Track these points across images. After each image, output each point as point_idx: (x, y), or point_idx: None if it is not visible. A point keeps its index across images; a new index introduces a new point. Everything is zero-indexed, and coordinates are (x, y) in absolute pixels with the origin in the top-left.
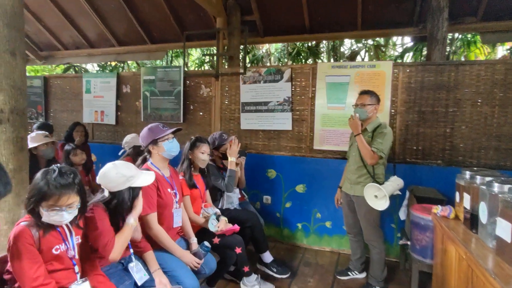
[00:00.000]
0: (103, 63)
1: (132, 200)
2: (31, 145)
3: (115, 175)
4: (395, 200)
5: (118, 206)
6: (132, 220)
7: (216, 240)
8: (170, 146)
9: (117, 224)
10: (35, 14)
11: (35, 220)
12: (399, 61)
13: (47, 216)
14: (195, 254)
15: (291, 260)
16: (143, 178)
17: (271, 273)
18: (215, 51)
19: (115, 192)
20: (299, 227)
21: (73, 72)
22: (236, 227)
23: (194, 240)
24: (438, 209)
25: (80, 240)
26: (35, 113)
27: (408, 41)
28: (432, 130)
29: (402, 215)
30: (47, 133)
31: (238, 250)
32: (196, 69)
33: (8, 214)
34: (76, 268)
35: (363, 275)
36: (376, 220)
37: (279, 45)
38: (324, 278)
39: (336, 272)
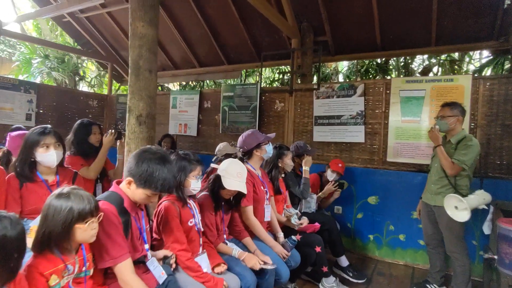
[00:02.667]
0: (184, 82)
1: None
2: None
3: (239, 168)
4: (477, 216)
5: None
6: None
7: (297, 237)
8: (269, 149)
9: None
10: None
11: (178, 195)
12: (477, 75)
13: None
14: (283, 246)
15: (364, 269)
16: (237, 184)
17: (347, 277)
18: (286, 70)
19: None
20: (371, 239)
21: (160, 90)
22: (317, 225)
23: (281, 234)
24: None
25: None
26: None
27: (485, 54)
28: None
29: (486, 229)
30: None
31: (317, 249)
32: (267, 86)
33: None
34: (201, 241)
35: None
36: (460, 231)
37: (347, 62)
38: None
39: (413, 284)
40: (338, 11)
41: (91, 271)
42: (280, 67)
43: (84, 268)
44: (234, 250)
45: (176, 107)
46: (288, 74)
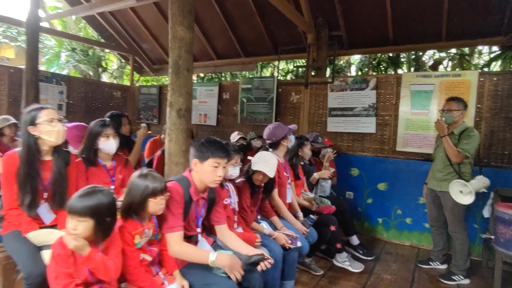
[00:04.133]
0: (202, 74)
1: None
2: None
3: (267, 156)
4: (479, 202)
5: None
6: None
7: (314, 217)
8: (293, 138)
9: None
10: (152, 34)
11: None
12: (486, 69)
13: (232, 171)
14: (302, 223)
15: (373, 248)
16: (261, 166)
17: (357, 254)
18: (301, 63)
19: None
20: (379, 222)
21: None
22: (333, 208)
23: (300, 213)
24: None
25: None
26: (151, 115)
27: (495, 49)
28: None
29: (486, 213)
30: None
31: (332, 228)
32: (282, 78)
33: None
34: (235, 218)
35: (444, 266)
36: (461, 214)
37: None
38: (406, 265)
39: (418, 261)
40: (352, 7)
41: (160, 235)
42: (294, 60)
43: (155, 233)
44: (265, 229)
45: (197, 98)
46: (302, 66)
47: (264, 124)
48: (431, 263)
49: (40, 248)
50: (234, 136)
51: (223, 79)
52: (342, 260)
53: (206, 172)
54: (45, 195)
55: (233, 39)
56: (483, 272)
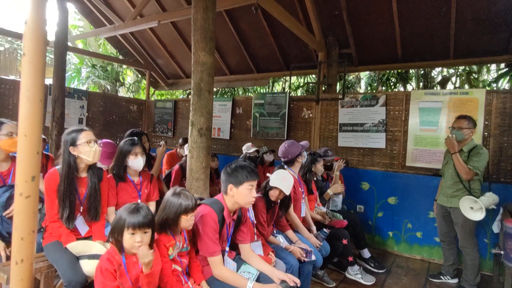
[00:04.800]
0: (215, 89)
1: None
2: (187, 152)
3: (285, 174)
4: (488, 217)
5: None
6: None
7: (327, 230)
8: (305, 154)
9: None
10: (168, 50)
11: None
12: (494, 85)
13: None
14: (316, 237)
15: (384, 262)
16: (278, 183)
17: (369, 267)
18: (311, 79)
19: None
20: (390, 235)
21: None
22: (345, 222)
23: (314, 227)
24: None
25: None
26: (166, 129)
27: (503, 66)
28: None
29: (495, 228)
30: None
31: (344, 242)
32: (293, 93)
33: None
34: (255, 230)
35: (455, 280)
36: (472, 229)
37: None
38: (417, 279)
39: (428, 275)
40: (362, 27)
41: (189, 248)
42: (305, 76)
43: (185, 245)
44: (282, 242)
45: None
46: (312, 82)
47: (276, 138)
48: (442, 277)
49: (78, 258)
50: (249, 147)
51: (235, 93)
52: (354, 273)
53: (243, 195)
54: (81, 208)
55: (246, 56)
56: (493, 287)
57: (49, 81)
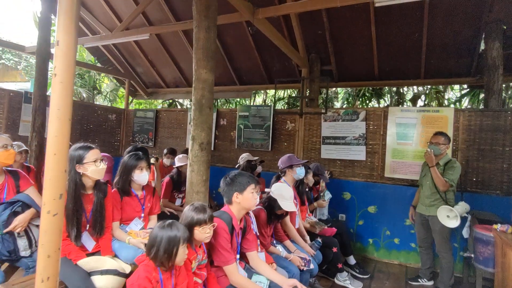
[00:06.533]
0: None
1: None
2: (178, 164)
3: (287, 190)
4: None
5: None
6: None
7: (320, 240)
8: (300, 172)
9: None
10: (149, 59)
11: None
12: (458, 103)
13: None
14: (310, 246)
15: (366, 267)
16: (287, 204)
17: (354, 273)
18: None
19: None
20: (370, 242)
21: (177, 107)
22: (334, 229)
23: (307, 237)
24: (497, 226)
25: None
26: (146, 138)
27: (465, 86)
28: (491, 165)
29: (465, 234)
30: (187, 155)
31: (334, 250)
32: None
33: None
34: (258, 241)
35: (431, 283)
36: (448, 235)
37: None
38: (397, 283)
39: (407, 279)
40: (343, 46)
41: (206, 260)
42: (286, 90)
43: (204, 258)
44: (282, 252)
45: None
46: (296, 95)
47: (260, 149)
48: (419, 280)
49: (90, 274)
50: (245, 157)
51: (218, 104)
52: (343, 279)
53: (248, 199)
54: (87, 226)
55: (230, 69)
56: (464, 287)
57: (11, 86)
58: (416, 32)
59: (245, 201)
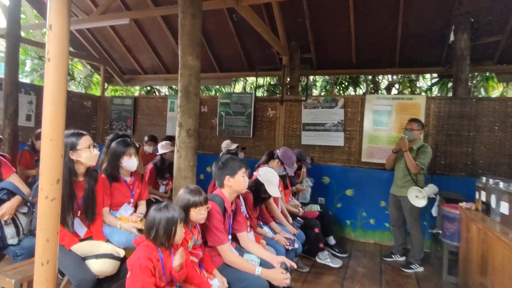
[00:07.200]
0: (174, 86)
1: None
2: (161, 151)
3: (274, 176)
4: (427, 204)
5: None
6: None
7: (301, 220)
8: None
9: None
10: (125, 45)
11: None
12: (428, 92)
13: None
14: (292, 225)
15: (345, 247)
16: (273, 189)
17: (334, 252)
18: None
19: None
20: (347, 223)
21: (156, 94)
22: (317, 212)
23: (290, 218)
24: (463, 204)
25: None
26: (124, 126)
27: (435, 75)
28: (457, 149)
29: (434, 212)
30: (170, 142)
31: (316, 230)
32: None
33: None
34: (248, 222)
35: (403, 258)
36: (417, 214)
37: None
38: (373, 260)
39: (382, 255)
40: (322, 35)
41: (201, 240)
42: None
43: (199, 238)
44: (268, 233)
45: (174, 110)
46: (276, 83)
47: (242, 136)
48: (393, 256)
49: (84, 259)
50: (229, 144)
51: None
52: (324, 258)
53: (239, 182)
54: (78, 212)
55: (210, 55)
56: (432, 261)
57: None
58: (392, 22)
59: (236, 184)
